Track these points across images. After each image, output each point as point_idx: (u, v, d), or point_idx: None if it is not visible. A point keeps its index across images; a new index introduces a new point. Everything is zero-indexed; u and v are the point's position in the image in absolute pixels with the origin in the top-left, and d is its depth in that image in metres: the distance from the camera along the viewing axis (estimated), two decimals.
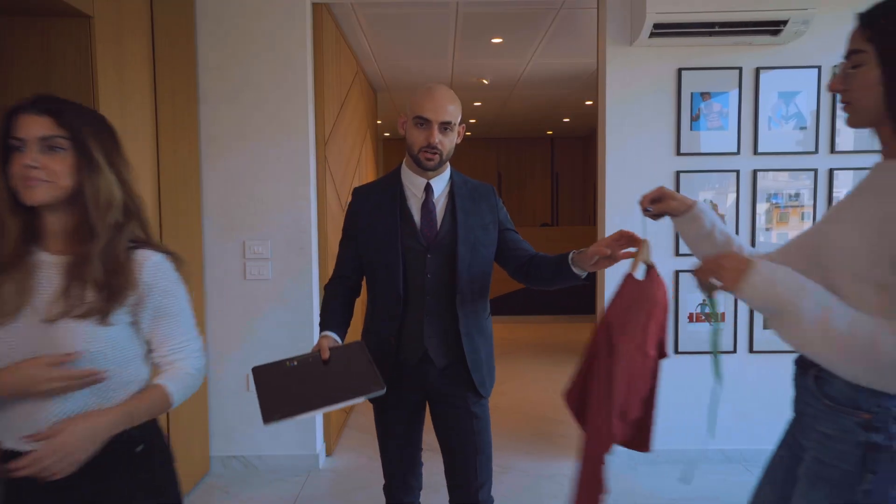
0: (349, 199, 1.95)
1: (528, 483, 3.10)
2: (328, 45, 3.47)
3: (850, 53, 1.11)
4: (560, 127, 8.85)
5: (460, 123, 1.83)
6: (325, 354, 1.63)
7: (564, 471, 3.23)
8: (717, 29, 2.95)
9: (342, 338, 1.78)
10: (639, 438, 1.61)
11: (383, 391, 1.51)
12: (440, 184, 1.85)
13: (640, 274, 1.46)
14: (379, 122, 7.51)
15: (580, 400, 1.47)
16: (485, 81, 5.68)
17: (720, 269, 1.15)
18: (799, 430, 1.23)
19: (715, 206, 3.22)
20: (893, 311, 1.02)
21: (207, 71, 3.13)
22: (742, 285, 1.11)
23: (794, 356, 1.24)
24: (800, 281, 1.08)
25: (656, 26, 2.93)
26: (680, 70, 3.17)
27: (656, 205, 1.44)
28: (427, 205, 1.83)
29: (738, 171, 3.21)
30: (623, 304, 1.42)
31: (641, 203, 1.44)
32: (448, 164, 1.87)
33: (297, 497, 2.98)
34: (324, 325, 1.79)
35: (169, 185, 2.76)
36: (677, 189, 3.20)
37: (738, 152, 3.20)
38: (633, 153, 3.22)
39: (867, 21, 1.09)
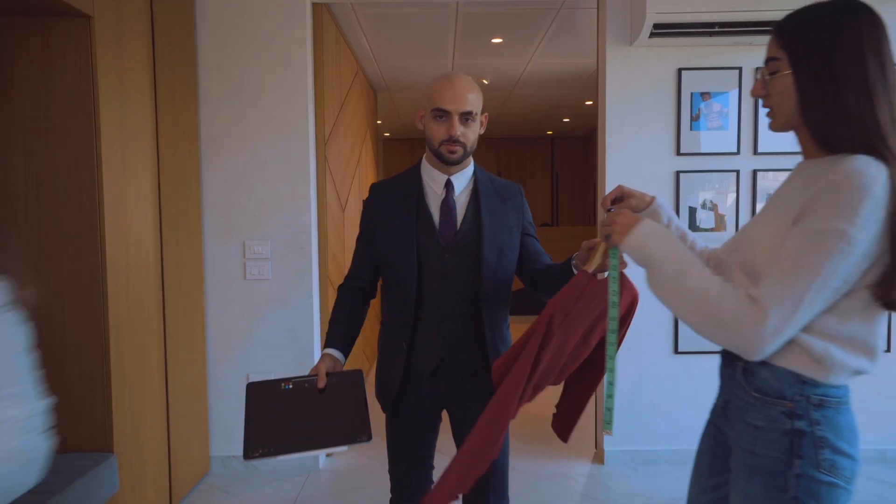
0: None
1: (528, 483, 3.10)
2: (328, 45, 3.47)
3: (768, 60, 1.18)
4: (560, 127, 8.85)
5: (482, 112, 1.71)
6: (322, 382, 1.56)
7: (564, 470, 3.24)
8: (717, 29, 2.95)
9: (346, 354, 1.72)
10: (561, 425, 1.62)
11: (369, 441, 1.46)
12: (462, 180, 1.73)
13: (600, 273, 1.46)
14: (379, 122, 7.51)
15: (505, 372, 1.47)
16: (485, 81, 5.68)
17: (613, 225, 1.28)
18: (723, 420, 1.27)
19: (715, 206, 3.22)
20: (747, 283, 1.14)
21: (207, 71, 3.13)
22: (626, 239, 1.24)
23: (719, 348, 1.29)
24: (671, 242, 1.20)
25: (656, 26, 2.93)
26: (680, 70, 3.17)
27: (618, 204, 1.47)
28: (447, 202, 1.71)
29: (738, 171, 3.21)
30: (573, 298, 1.42)
31: (602, 204, 1.48)
32: (472, 159, 1.77)
33: (297, 497, 2.98)
34: (327, 341, 1.72)
35: (169, 185, 2.76)
36: (677, 189, 3.21)
37: (738, 152, 3.21)
38: (633, 153, 3.22)
39: (780, 30, 1.16)
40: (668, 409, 3.25)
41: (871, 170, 1.02)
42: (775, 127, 1.21)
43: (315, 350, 3.24)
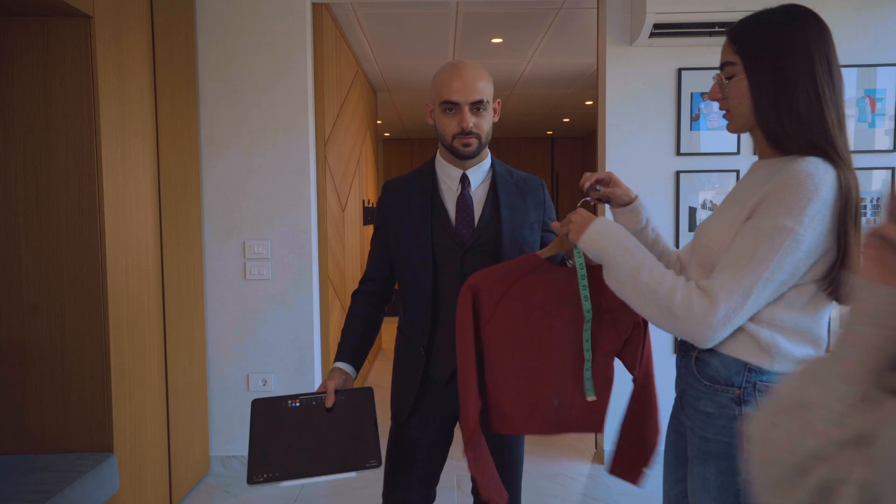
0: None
1: (528, 483, 3.10)
2: (328, 44, 3.47)
3: (723, 65, 1.21)
4: (560, 127, 8.85)
5: (495, 99, 1.61)
6: (330, 402, 1.48)
7: (565, 471, 3.23)
8: (717, 29, 2.95)
9: (358, 367, 1.65)
10: (629, 467, 1.60)
11: (378, 466, 1.39)
12: (478, 174, 1.64)
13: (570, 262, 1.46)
14: (379, 122, 7.51)
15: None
16: None
17: (570, 224, 1.33)
18: (680, 411, 1.34)
19: (715, 206, 3.22)
20: (702, 276, 1.21)
21: (207, 71, 3.13)
22: (582, 237, 1.29)
23: (678, 341, 1.34)
24: (624, 239, 1.26)
25: (656, 26, 2.93)
26: (680, 70, 3.17)
27: (604, 188, 1.45)
28: (463, 198, 1.62)
29: (738, 172, 3.21)
30: (513, 273, 1.43)
31: (583, 182, 1.43)
32: (488, 151, 1.67)
33: (297, 497, 2.98)
34: (338, 355, 1.64)
35: (169, 185, 2.76)
36: (677, 189, 3.21)
37: (738, 152, 3.20)
38: (633, 153, 3.22)
39: (733, 36, 1.20)
40: (668, 409, 3.24)
41: (819, 171, 1.07)
42: (733, 129, 1.25)
43: (315, 350, 3.25)
